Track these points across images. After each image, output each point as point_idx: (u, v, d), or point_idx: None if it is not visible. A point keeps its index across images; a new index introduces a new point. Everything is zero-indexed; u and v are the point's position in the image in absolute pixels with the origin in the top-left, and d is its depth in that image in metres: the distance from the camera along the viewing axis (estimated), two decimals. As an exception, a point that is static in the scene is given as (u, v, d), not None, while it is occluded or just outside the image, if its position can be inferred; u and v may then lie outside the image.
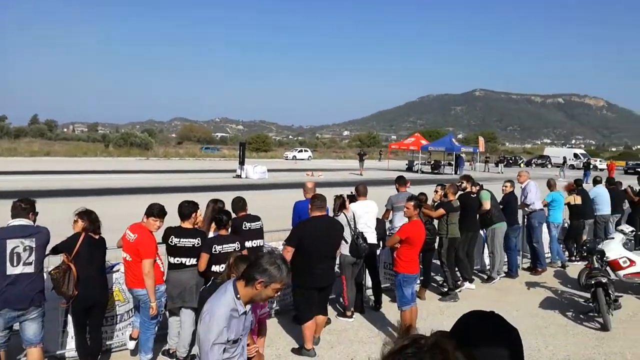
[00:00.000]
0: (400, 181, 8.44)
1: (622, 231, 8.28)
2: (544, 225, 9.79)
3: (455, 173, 35.22)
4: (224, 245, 5.04)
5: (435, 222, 7.99)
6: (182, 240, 5.15)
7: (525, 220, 9.69)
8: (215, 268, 4.99)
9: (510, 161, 57.37)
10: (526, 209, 9.57)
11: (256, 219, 5.97)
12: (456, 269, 8.15)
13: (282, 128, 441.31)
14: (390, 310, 6.98)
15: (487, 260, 9.34)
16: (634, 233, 9.16)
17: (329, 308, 6.87)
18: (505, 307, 7.46)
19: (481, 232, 8.97)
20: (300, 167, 41.36)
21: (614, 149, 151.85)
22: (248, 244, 5.57)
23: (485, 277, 8.97)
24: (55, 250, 4.76)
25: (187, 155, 55.52)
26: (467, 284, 8.29)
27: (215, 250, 4.99)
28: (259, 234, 5.88)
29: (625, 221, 11.40)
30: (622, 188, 12.10)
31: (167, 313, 5.49)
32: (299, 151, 61.70)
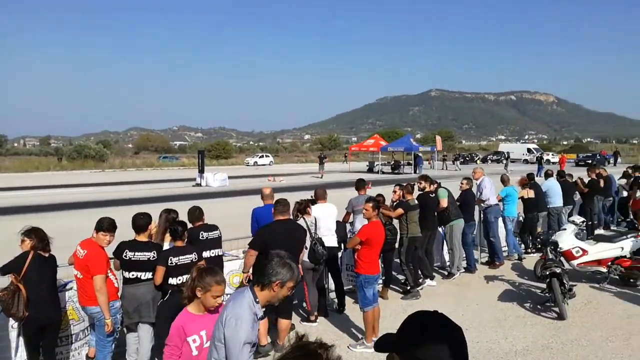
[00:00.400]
0: (359, 184, 8.49)
1: (573, 222, 8.58)
2: (500, 220, 10.05)
3: (415, 172, 35.80)
4: (181, 257, 4.92)
5: (396, 221, 8.08)
6: (136, 254, 5.01)
7: (482, 215, 9.93)
8: (172, 281, 4.86)
9: (467, 158, 58.78)
10: (482, 204, 9.80)
11: (213, 228, 5.86)
12: (417, 266, 8.25)
13: (242, 134, 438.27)
14: (353, 312, 7.00)
15: (446, 257, 9.51)
16: (585, 223, 9.53)
17: (293, 314, 6.86)
18: (466, 302, 7.63)
19: (440, 229, 9.13)
20: (262, 172, 41.11)
21: (565, 143, 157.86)
22: (206, 254, 5.47)
23: (446, 273, 9.13)
24: (3, 271, 4.55)
25: (144, 166, 54.25)
26: (428, 281, 8.41)
27: (172, 263, 4.86)
28: (216, 243, 5.78)
29: (577, 212, 11.87)
30: (573, 180, 12.57)
31: (125, 329, 5.32)
32: (260, 157, 61.26)
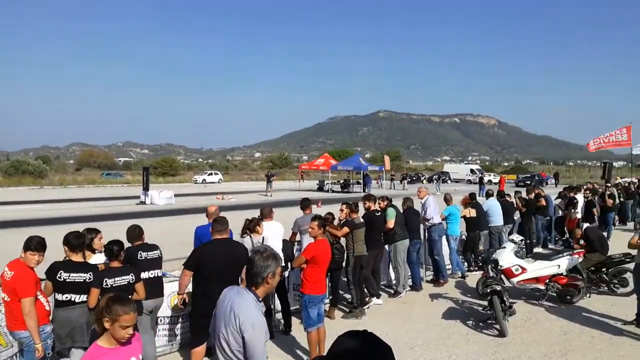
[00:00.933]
0: (304, 203, 8.45)
1: (512, 240, 8.86)
2: (444, 238, 10.26)
3: (364, 191, 36.21)
4: (116, 279, 4.69)
5: (343, 240, 8.07)
6: (72, 275, 4.74)
7: (426, 234, 10.10)
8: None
9: (414, 178, 60.16)
10: (426, 223, 9.98)
11: (153, 247, 5.63)
12: (363, 285, 8.26)
13: (191, 151, 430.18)
14: (300, 332, 6.87)
15: (392, 275, 9.58)
16: (523, 242, 9.87)
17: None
18: (411, 320, 7.68)
19: (387, 247, 9.20)
20: (210, 190, 40.39)
21: (506, 164, 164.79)
22: (144, 274, 5.25)
23: (392, 291, 9.19)
24: None
25: (86, 183, 52.15)
26: (374, 300, 8.42)
27: (107, 285, 4.62)
28: (156, 263, 5.55)
29: (516, 231, 12.31)
30: (512, 200, 13.05)
31: (56, 355, 4.99)
32: (209, 174, 60.23)
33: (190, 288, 5.39)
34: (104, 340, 2.97)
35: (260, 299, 3.09)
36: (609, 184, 18.46)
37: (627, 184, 20.68)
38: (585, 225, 10.14)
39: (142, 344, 3.21)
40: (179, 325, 6.38)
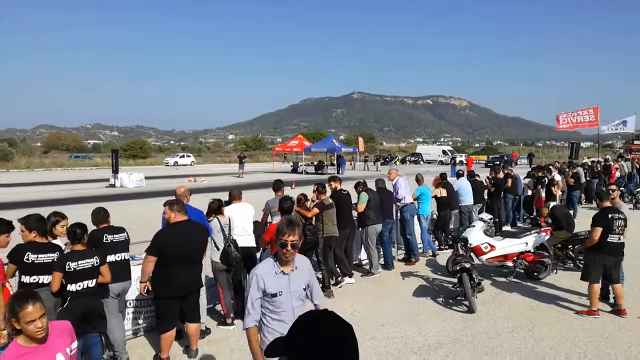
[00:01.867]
0: (276, 185, 8.37)
1: (482, 219, 9.00)
2: (415, 218, 10.35)
3: (338, 172, 36.27)
4: (80, 262, 4.56)
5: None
6: (39, 256, 4.64)
7: (398, 214, 10.17)
8: (71, 287, 4.51)
9: (387, 159, 60.56)
10: (398, 203, 10.04)
11: (120, 230, 5.50)
12: (336, 265, 8.29)
13: (162, 133, 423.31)
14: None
15: (364, 256, 9.64)
16: (492, 220, 10.04)
17: (209, 318, 6.62)
18: (383, 298, 7.76)
19: (360, 229, 9.22)
20: (182, 173, 39.84)
21: (477, 145, 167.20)
22: (110, 258, 5.13)
23: (365, 271, 9.25)
24: None
25: (53, 166, 50.80)
26: (347, 279, 8.47)
27: (70, 268, 4.49)
28: (122, 246, 5.41)
29: (485, 210, 12.52)
30: (480, 180, 13.23)
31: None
32: (181, 157, 59.27)
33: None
34: (23, 339, 2.80)
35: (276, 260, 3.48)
36: (574, 164, 18.93)
37: (593, 164, 21.20)
38: (552, 203, 10.36)
39: (73, 336, 3.04)
40: (147, 309, 6.28)
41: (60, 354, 2.87)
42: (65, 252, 4.79)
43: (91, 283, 4.64)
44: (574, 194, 16.06)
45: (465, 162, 46.57)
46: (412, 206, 10.09)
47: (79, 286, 4.55)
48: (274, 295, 3.38)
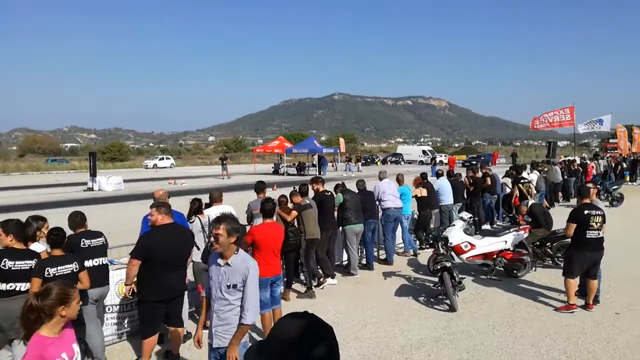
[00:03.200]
0: (258, 187, 8.32)
1: (462, 218, 9.09)
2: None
3: (319, 174, 36.27)
4: (59, 267, 4.47)
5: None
6: (17, 263, 4.53)
7: (381, 214, 10.18)
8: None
9: (368, 160, 60.81)
10: (381, 203, 10.05)
11: (97, 235, 5.39)
12: (318, 266, 8.28)
13: (140, 135, 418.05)
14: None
15: (345, 256, 9.65)
16: (472, 219, 10.14)
17: (189, 322, 6.54)
18: (365, 298, 7.77)
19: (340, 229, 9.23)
20: (162, 175, 39.40)
21: (456, 145, 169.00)
22: (88, 263, 5.04)
23: (347, 272, 9.25)
24: None
25: (30, 170, 49.80)
26: (329, 280, 8.46)
27: (49, 274, 4.40)
28: (100, 251, 5.32)
29: (465, 209, 12.64)
30: (461, 179, 13.36)
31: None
32: (161, 159, 58.60)
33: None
34: (46, 330, 2.90)
35: None
36: (550, 163, 19.22)
37: (569, 162, 21.59)
38: (531, 202, 10.50)
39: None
40: (127, 314, 6.18)
41: (75, 344, 3.07)
42: (44, 258, 4.69)
43: None
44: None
45: (446, 162, 47.01)
46: (393, 211, 9.96)
47: None
48: (211, 279, 3.83)
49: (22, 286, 4.52)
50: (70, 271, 4.56)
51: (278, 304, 6.14)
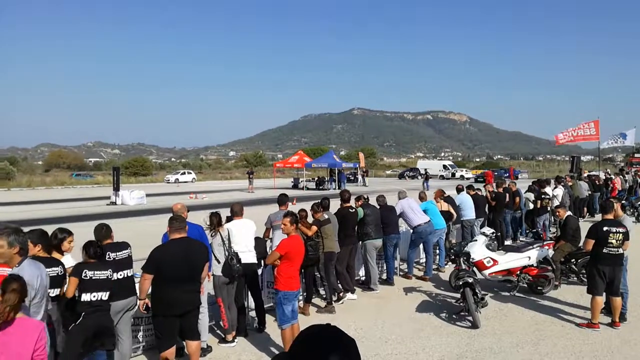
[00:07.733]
0: (281, 199, 8.38)
1: (484, 233, 8.99)
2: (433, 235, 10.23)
3: (339, 188, 36.24)
4: (96, 272, 4.71)
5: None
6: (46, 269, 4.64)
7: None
8: (85, 297, 4.61)
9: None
10: (408, 223, 10.00)
11: (123, 247, 5.46)
12: (337, 281, 8.26)
13: (163, 150, 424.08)
14: (274, 330, 6.82)
15: (362, 272, 9.61)
16: (494, 234, 9.99)
17: (210, 335, 6.57)
18: (385, 314, 7.71)
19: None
20: (183, 190, 39.87)
21: (477, 160, 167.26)
22: (114, 276, 5.10)
23: (367, 287, 9.20)
24: None
25: (55, 184, 50.89)
26: (349, 295, 8.43)
27: (86, 276, 4.59)
28: (126, 263, 5.39)
29: (487, 224, 12.48)
30: (483, 194, 13.22)
31: None
32: (182, 174, 59.34)
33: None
34: None
35: None
36: (574, 177, 18.88)
37: (594, 177, 21.20)
38: (569, 213, 10.17)
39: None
40: (142, 327, 6.22)
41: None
42: (83, 261, 4.82)
43: (104, 296, 4.69)
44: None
45: (468, 177, 46.30)
46: (424, 226, 9.81)
47: (93, 296, 4.60)
48: None
49: (50, 292, 4.61)
50: (105, 277, 4.74)
51: (296, 319, 6.13)
